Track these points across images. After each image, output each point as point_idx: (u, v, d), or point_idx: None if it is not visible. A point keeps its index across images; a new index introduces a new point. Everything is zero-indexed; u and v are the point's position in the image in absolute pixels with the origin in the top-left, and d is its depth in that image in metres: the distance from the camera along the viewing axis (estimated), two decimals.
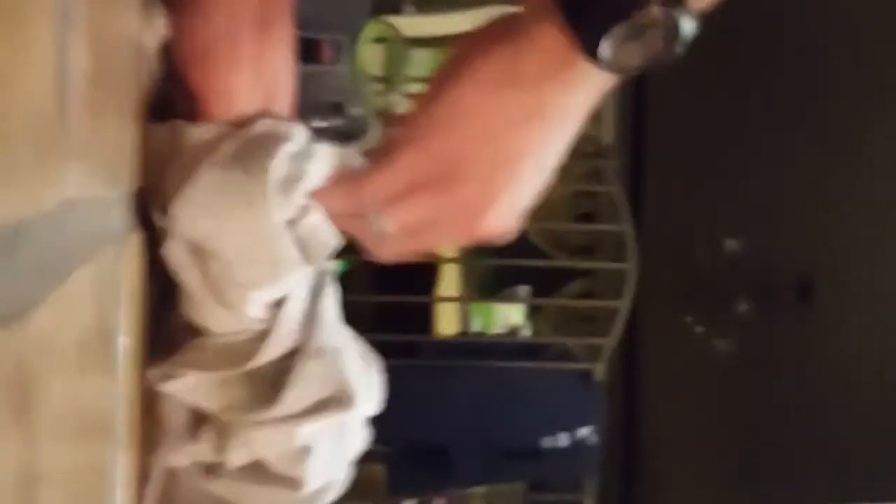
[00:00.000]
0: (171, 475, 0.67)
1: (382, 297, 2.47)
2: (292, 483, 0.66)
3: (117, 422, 0.56)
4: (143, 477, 0.65)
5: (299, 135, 0.66)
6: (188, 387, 0.64)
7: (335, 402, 0.68)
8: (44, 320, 0.39)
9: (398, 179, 0.65)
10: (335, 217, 0.68)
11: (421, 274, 2.65)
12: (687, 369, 2.95)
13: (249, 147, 0.63)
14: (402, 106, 2.28)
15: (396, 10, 2.68)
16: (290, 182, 0.64)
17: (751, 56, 2.45)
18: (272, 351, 0.65)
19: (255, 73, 0.66)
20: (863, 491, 2.12)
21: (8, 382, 0.34)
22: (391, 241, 0.68)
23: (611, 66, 0.63)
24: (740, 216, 2.75)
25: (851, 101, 2.35)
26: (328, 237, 0.67)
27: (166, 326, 0.67)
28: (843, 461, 2.24)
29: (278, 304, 0.66)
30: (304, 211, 0.66)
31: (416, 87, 2.54)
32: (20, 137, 0.36)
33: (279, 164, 0.63)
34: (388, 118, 2.12)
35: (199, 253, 0.63)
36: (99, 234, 0.51)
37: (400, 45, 1.22)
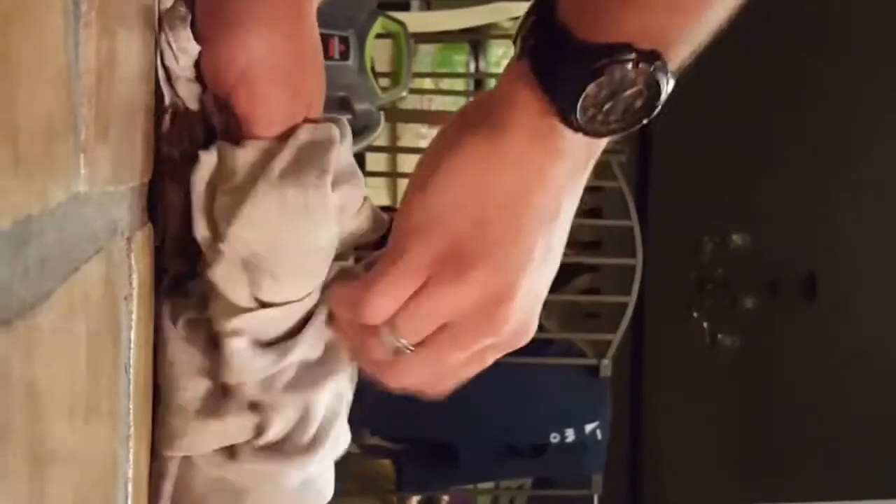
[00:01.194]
0: (187, 465, 0.67)
1: None
2: (307, 449, 0.67)
3: (127, 415, 0.56)
4: (152, 471, 0.65)
5: (336, 136, 0.67)
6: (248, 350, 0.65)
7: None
8: (52, 315, 0.39)
9: (403, 281, 0.61)
10: (345, 336, 0.65)
11: None
12: (692, 365, 2.95)
13: (300, 160, 0.64)
14: (408, 102, 2.28)
15: (404, 6, 2.68)
16: (348, 199, 0.66)
17: (756, 54, 2.45)
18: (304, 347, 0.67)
19: (296, 91, 0.66)
20: (866, 486, 2.12)
21: (17, 377, 0.34)
22: (409, 363, 0.62)
23: (589, 129, 0.60)
24: (746, 212, 2.75)
25: (856, 100, 2.34)
26: (370, 231, 0.69)
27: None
28: (847, 456, 2.23)
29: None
30: (356, 213, 0.68)
31: (422, 83, 2.54)
32: (28, 132, 0.36)
33: (322, 173, 0.64)
34: (394, 114, 2.12)
35: (252, 270, 0.64)
36: (107, 228, 0.51)
37: (407, 41, 1.22)
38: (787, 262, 2.54)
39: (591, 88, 0.58)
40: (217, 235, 0.64)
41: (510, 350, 0.63)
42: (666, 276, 2.76)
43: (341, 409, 0.71)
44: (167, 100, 0.66)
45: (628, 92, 0.58)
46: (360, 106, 0.98)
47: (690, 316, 2.85)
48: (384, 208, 2.71)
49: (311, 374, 0.67)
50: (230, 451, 0.67)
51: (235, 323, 0.64)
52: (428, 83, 2.60)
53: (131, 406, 0.57)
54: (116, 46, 0.52)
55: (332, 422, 0.69)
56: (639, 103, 0.59)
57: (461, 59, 2.69)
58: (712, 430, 2.85)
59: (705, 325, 2.80)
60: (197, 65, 0.65)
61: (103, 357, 0.50)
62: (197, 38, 0.64)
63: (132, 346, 0.57)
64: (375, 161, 2.44)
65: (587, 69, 0.58)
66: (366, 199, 0.69)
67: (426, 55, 2.64)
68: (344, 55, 0.98)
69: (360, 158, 2.22)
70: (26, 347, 0.35)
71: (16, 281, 0.34)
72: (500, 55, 2.71)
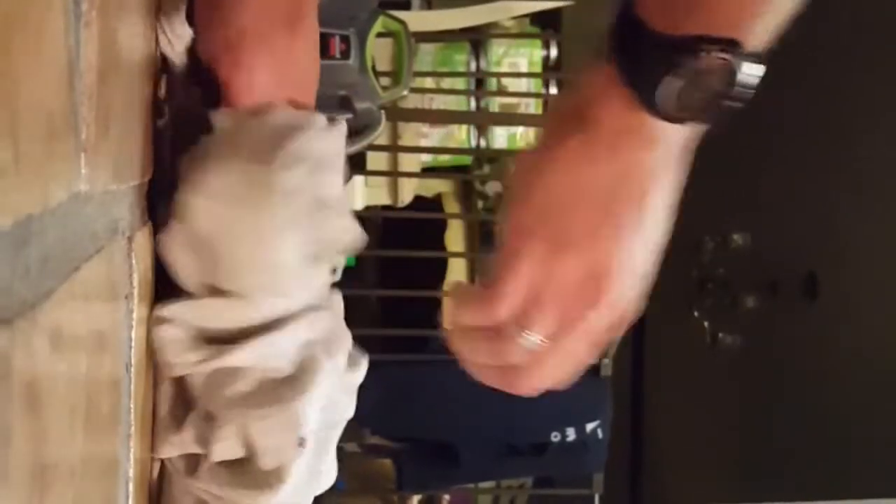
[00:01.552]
0: (166, 472, 0.66)
1: (390, 291, 2.47)
2: (271, 481, 0.64)
3: (128, 414, 0.56)
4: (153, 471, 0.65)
5: (318, 124, 0.66)
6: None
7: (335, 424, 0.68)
8: (53, 315, 0.39)
9: (523, 278, 0.65)
10: (475, 360, 0.68)
11: (429, 268, 2.65)
12: (693, 364, 2.95)
13: (263, 137, 0.63)
14: (409, 101, 2.28)
15: (405, 5, 2.68)
16: (308, 185, 0.64)
17: None
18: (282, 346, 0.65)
19: (283, 68, 0.66)
20: (866, 486, 2.12)
21: (18, 376, 0.34)
22: (542, 360, 0.67)
23: (673, 116, 0.62)
24: (747, 212, 2.75)
25: (857, 99, 2.34)
26: (351, 237, 0.67)
27: None
28: (847, 456, 2.23)
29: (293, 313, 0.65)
30: (321, 208, 0.66)
31: (423, 82, 2.54)
32: (30, 132, 0.36)
33: (291, 155, 0.63)
34: (395, 113, 2.12)
35: (205, 252, 0.63)
36: (108, 228, 0.51)
37: (408, 40, 1.22)
38: (788, 262, 2.54)
39: (671, 80, 0.60)
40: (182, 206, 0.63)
41: (621, 327, 0.68)
42: (666, 276, 2.76)
43: (332, 438, 0.68)
44: (163, 89, 0.66)
45: (709, 80, 0.61)
46: (360, 105, 0.97)
47: (691, 315, 2.84)
48: (385, 207, 2.69)
49: (274, 391, 0.64)
50: (192, 464, 0.65)
51: (163, 310, 0.63)
52: (429, 82, 2.60)
53: (132, 405, 0.57)
54: (117, 45, 0.52)
55: (314, 451, 0.66)
56: (721, 89, 0.61)
57: (462, 59, 2.69)
58: (713, 429, 2.85)
59: (706, 324, 2.79)
60: (190, 50, 0.66)
61: (104, 356, 0.50)
62: (191, 24, 0.65)
63: (133, 345, 0.57)
64: (376, 160, 2.43)
65: (666, 62, 0.60)
66: (336, 208, 0.68)
67: (427, 54, 2.64)
68: (345, 54, 0.98)
69: (360, 157, 2.21)
70: (27, 346, 0.35)
71: (16, 280, 0.34)
72: (501, 54, 2.71)
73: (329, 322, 0.67)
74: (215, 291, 0.63)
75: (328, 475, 0.69)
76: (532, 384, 0.68)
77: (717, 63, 0.60)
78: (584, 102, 0.65)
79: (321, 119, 0.67)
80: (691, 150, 0.67)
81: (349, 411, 0.70)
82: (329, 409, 0.67)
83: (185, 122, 0.67)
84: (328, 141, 0.67)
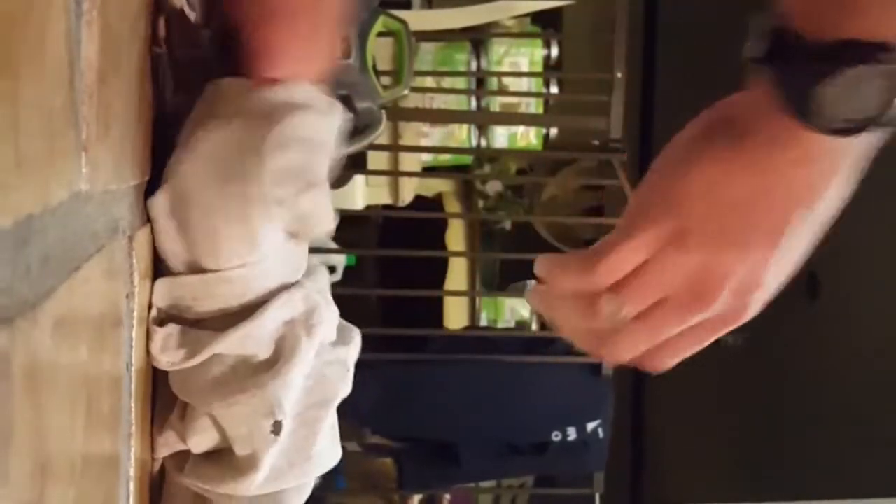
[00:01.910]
0: (165, 470, 0.66)
1: (390, 290, 2.46)
2: (245, 469, 0.63)
3: (129, 414, 0.56)
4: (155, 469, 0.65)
5: (320, 105, 0.65)
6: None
7: (321, 405, 0.66)
8: (53, 314, 0.39)
9: (633, 251, 0.65)
10: (560, 306, 0.69)
11: (429, 268, 2.65)
12: (694, 363, 2.95)
13: (262, 109, 0.62)
14: (409, 100, 2.28)
15: (405, 5, 2.68)
16: (296, 165, 0.63)
17: None
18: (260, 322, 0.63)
19: (308, 46, 0.65)
20: (866, 486, 2.12)
21: (19, 375, 0.34)
22: (626, 334, 0.67)
23: (830, 129, 0.59)
24: None
25: None
26: (327, 216, 0.65)
27: None
28: (846, 454, 2.23)
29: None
30: (307, 187, 0.64)
31: (423, 82, 2.54)
32: (30, 131, 0.36)
33: (288, 131, 0.62)
34: (396, 112, 2.12)
35: (184, 217, 0.62)
36: (109, 227, 0.51)
37: (408, 40, 1.22)
38: None
39: (826, 90, 0.57)
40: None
41: (725, 330, 0.67)
42: None
43: (322, 417, 0.66)
44: (162, 29, 0.64)
45: (868, 87, 0.57)
46: (361, 104, 0.97)
47: None
48: (386, 207, 2.69)
49: (249, 377, 0.62)
50: (182, 461, 0.65)
51: (155, 292, 0.62)
52: (429, 81, 2.60)
53: (133, 405, 0.57)
54: (118, 44, 0.52)
55: (297, 432, 0.64)
56: (882, 97, 0.58)
57: (462, 58, 2.69)
58: (714, 429, 2.85)
59: None
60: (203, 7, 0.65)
61: (105, 355, 0.50)
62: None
63: (133, 344, 0.57)
64: (377, 159, 2.43)
65: (818, 71, 0.57)
66: (321, 187, 0.66)
67: (427, 53, 2.64)
68: (345, 54, 0.98)
69: (361, 157, 2.21)
70: (28, 346, 0.35)
71: (17, 280, 0.34)
72: (502, 54, 2.71)
73: (308, 299, 0.66)
74: (195, 269, 0.62)
75: (328, 456, 0.67)
76: (617, 353, 0.68)
77: (874, 69, 0.57)
78: (739, 110, 0.64)
79: (324, 101, 0.66)
80: (862, 163, 0.63)
81: (342, 389, 0.68)
82: (316, 388, 0.66)
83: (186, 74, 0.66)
84: (324, 122, 0.66)
